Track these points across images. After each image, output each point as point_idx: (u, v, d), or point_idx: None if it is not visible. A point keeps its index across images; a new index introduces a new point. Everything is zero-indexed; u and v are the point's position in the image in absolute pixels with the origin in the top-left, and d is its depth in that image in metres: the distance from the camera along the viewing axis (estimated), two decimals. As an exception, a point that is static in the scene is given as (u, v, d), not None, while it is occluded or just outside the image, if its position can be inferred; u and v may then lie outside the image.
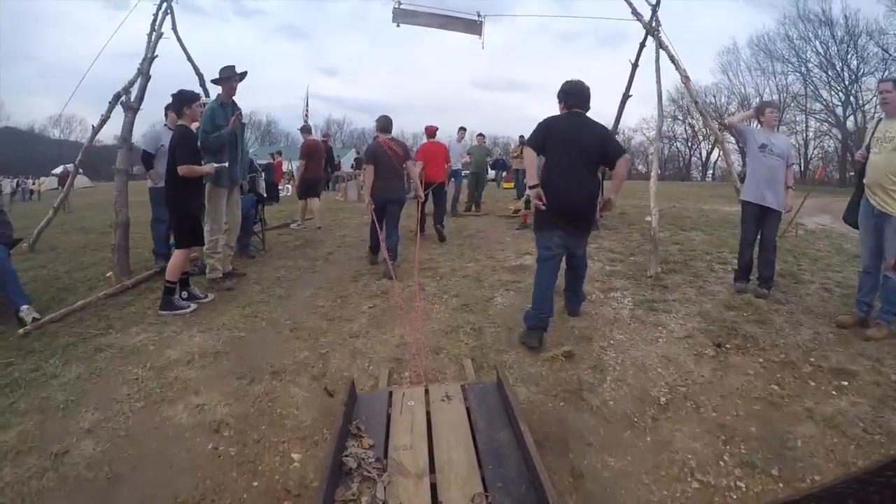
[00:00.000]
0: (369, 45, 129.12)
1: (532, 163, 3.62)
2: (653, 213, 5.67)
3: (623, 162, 3.64)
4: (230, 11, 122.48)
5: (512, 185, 16.47)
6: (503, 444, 2.28)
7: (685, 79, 6.41)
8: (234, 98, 5.12)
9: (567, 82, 3.75)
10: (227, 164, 4.85)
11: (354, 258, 6.48)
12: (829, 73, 36.18)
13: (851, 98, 35.30)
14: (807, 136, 40.54)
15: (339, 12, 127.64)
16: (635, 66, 7.58)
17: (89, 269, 6.26)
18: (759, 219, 4.71)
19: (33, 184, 33.45)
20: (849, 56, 34.70)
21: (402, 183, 5.62)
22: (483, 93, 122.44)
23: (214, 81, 5.09)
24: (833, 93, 36.90)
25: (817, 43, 36.39)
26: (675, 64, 6.37)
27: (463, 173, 12.31)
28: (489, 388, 2.81)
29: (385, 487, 2.03)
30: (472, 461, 2.18)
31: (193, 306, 4.54)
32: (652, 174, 6.08)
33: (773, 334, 3.89)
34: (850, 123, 35.75)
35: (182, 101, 4.51)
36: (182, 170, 4.30)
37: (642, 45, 7.26)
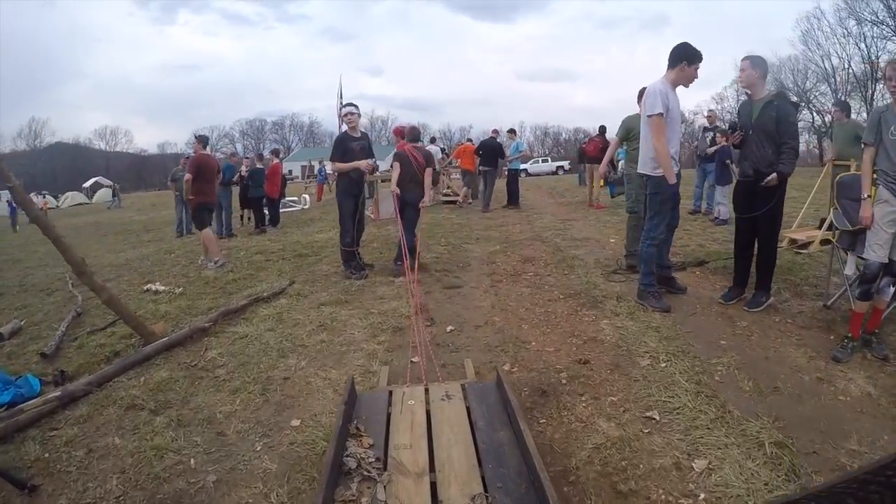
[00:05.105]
0: (413, 44, 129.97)
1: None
2: None
3: None
4: (273, 18, 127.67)
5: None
6: (503, 444, 2.21)
7: None
8: None
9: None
10: None
11: None
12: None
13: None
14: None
15: (382, 12, 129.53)
16: None
17: None
18: None
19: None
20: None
21: (420, 189, 5.63)
22: (530, 84, 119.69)
23: None
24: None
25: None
26: None
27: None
28: (489, 388, 2.73)
29: (385, 487, 1.96)
30: (472, 460, 2.10)
31: None
32: None
33: None
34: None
35: None
36: None
37: None
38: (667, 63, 3.95)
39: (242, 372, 3.27)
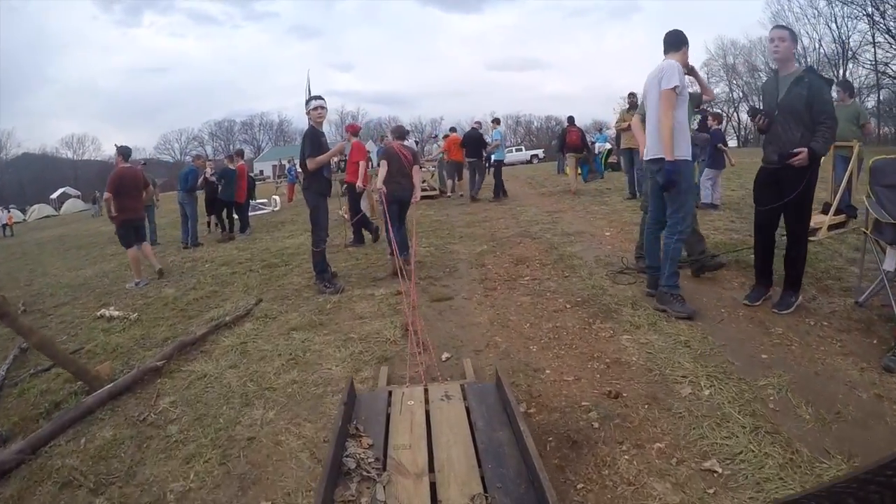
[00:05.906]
0: (383, 37, 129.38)
1: None
2: None
3: None
4: (240, 17, 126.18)
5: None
6: (502, 444, 2.20)
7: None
8: None
9: None
10: None
11: None
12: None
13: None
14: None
15: (350, 7, 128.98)
16: None
17: None
18: None
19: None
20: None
21: (410, 183, 5.69)
22: (500, 74, 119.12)
23: None
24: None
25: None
26: None
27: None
28: (488, 388, 2.68)
29: (384, 487, 1.96)
30: (472, 460, 2.10)
31: None
32: None
33: None
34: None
35: None
36: None
37: None
38: (666, 48, 3.71)
39: (199, 429, 2.70)
